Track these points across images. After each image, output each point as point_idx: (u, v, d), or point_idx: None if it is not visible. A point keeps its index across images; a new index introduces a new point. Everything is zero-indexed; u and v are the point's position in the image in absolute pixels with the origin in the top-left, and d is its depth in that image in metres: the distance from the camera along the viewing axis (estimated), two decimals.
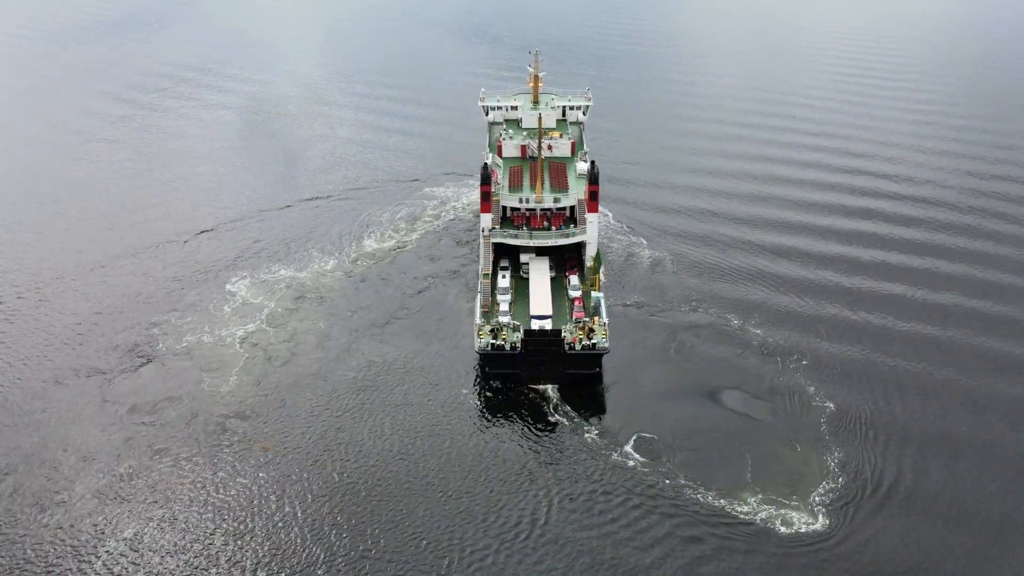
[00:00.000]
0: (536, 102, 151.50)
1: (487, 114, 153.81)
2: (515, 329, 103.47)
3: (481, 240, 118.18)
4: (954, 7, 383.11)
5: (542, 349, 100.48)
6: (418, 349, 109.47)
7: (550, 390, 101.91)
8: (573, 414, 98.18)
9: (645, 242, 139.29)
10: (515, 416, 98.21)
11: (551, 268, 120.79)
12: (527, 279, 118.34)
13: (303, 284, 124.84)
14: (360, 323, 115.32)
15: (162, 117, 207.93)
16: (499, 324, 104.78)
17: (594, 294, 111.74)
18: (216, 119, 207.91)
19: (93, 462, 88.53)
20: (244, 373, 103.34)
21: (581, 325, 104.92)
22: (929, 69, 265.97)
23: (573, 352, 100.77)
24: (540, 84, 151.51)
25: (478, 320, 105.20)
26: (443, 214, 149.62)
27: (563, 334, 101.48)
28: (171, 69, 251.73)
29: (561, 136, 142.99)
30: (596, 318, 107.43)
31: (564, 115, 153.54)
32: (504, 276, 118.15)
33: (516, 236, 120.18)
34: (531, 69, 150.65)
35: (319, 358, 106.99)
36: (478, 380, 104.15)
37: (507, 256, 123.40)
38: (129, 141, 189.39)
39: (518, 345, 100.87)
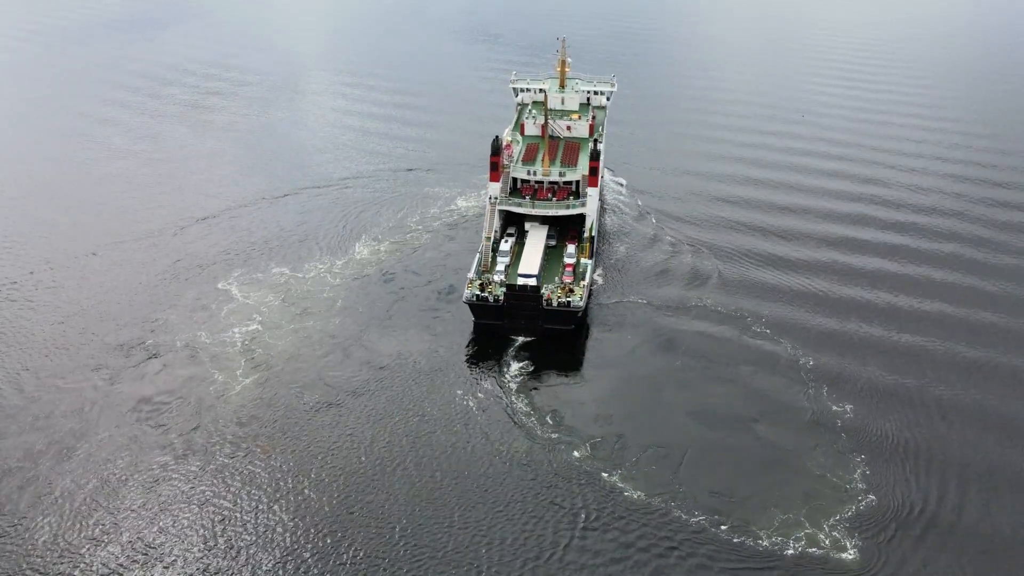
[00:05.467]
0: (563, 86, 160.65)
1: (516, 95, 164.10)
2: (501, 285, 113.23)
3: (487, 206, 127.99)
4: (971, 10, 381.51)
5: (522, 303, 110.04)
6: (417, 349, 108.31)
7: (545, 395, 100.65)
8: (570, 423, 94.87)
9: (668, 237, 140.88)
10: (509, 423, 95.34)
11: (552, 237, 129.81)
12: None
13: (302, 282, 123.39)
14: (360, 322, 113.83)
15: (165, 114, 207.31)
16: (488, 280, 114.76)
17: (583, 261, 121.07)
18: (218, 115, 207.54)
19: (93, 462, 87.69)
20: (243, 373, 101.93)
21: (564, 286, 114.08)
22: (945, 70, 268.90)
23: (550, 308, 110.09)
24: (567, 69, 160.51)
25: (471, 275, 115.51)
26: (444, 214, 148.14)
27: (542, 291, 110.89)
28: (175, 67, 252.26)
29: (580, 118, 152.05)
30: (582, 282, 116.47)
31: (588, 99, 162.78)
32: (507, 241, 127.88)
33: (520, 205, 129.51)
34: (558, 55, 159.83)
35: (319, 358, 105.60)
36: (474, 381, 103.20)
37: (516, 225, 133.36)
38: (133, 136, 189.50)
39: (501, 298, 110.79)
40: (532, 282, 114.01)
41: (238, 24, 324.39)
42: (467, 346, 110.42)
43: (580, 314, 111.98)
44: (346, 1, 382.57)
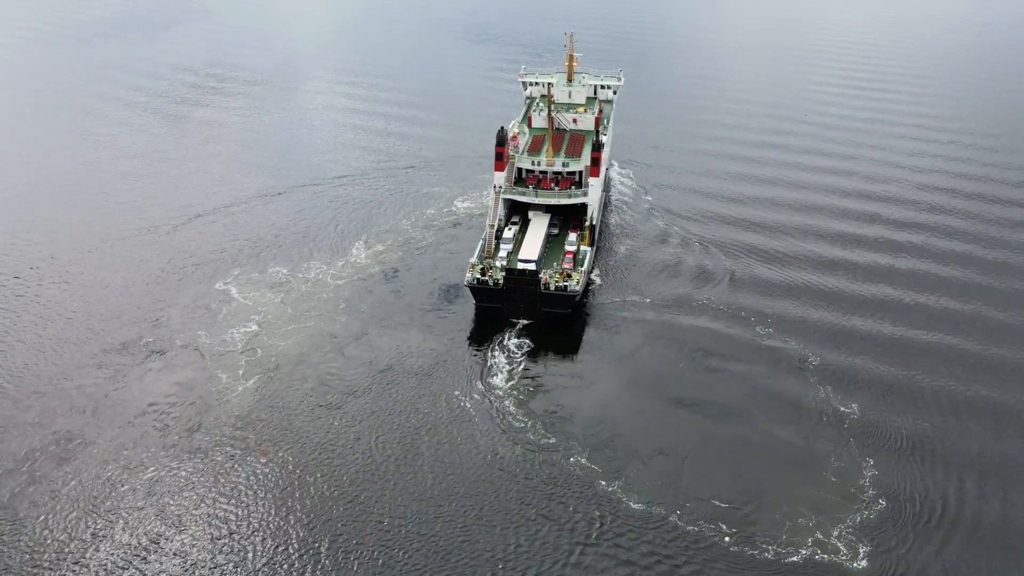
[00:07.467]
0: (570, 80, 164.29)
1: (525, 89, 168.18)
2: (501, 270, 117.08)
3: (492, 195, 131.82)
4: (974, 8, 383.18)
5: (520, 287, 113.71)
6: (417, 349, 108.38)
7: (538, 399, 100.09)
8: (568, 428, 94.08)
9: (672, 234, 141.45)
10: (506, 426, 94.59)
11: (554, 225, 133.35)
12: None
13: (301, 282, 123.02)
14: (360, 322, 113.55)
15: (163, 112, 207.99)
16: (489, 264, 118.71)
17: (583, 248, 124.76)
18: (216, 113, 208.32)
19: (95, 462, 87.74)
20: (244, 374, 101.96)
21: (562, 271, 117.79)
22: (949, 69, 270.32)
23: (548, 292, 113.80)
24: (575, 64, 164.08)
25: (472, 259, 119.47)
26: (443, 215, 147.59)
27: (540, 275, 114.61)
28: (174, 66, 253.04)
29: (586, 111, 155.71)
30: (580, 268, 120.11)
31: (595, 93, 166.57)
32: (510, 229, 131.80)
33: (524, 194, 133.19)
34: (566, 49, 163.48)
35: (319, 358, 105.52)
36: (473, 381, 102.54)
37: (520, 214, 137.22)
38: (132, 134, 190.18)
39: (500, 282, 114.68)
40: (531, 267, 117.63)
41: (238, 23, 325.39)
42: (466, 345, 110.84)
43: (577, 298, 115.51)
44: (348, 0, 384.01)
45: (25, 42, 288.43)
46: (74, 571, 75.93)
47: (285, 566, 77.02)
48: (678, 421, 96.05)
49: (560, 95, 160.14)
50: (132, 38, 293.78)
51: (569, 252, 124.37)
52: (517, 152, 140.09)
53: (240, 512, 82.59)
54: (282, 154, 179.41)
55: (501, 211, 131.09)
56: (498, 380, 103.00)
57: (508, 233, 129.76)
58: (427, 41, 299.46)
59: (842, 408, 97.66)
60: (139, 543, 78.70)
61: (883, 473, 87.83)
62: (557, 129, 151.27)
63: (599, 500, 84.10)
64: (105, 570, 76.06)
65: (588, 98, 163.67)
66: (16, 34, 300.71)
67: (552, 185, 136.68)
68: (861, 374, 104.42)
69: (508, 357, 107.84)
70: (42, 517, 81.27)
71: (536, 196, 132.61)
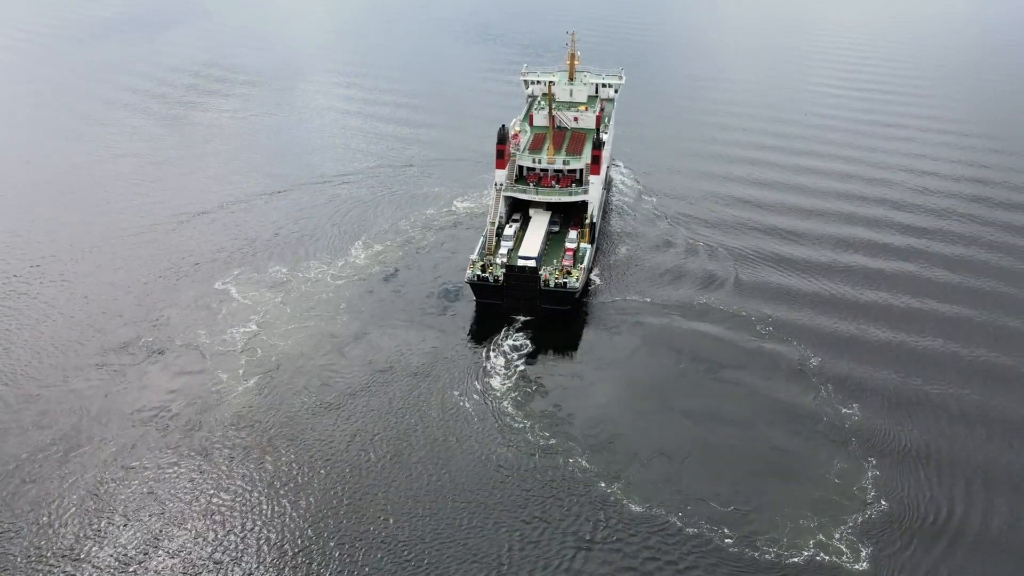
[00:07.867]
0: (572, 79, 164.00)
1: (527, 87, 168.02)
2: (502, 266, 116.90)
3: (493, 193, 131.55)
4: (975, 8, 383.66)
5: (520, 284, 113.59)
6: (416, 349, 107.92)
7: (539, 405, 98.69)
8: (568, 429, 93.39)
9: (673, 234, 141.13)
10: (504, 427, 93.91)
11: (555, 223, 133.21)
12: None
13: (301, 282, 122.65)
14: (360, 322, 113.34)
15: (163, 112, 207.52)
16: (489, 261, 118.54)
17: (583, 245, 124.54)
18: (215, 113, 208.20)
19: (95, 462, 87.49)
20: (245, 374, 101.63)
21: (562, 268, 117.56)
22: (951, 68, 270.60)
23: (547, 289, 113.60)
24: (576, 62, 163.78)
25: (473, 256, 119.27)
26: (442, 215, 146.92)
27: (540, 272, 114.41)
28: (174, 66, 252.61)
29: (587, 110, 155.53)
30: (580, 265, 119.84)
31: (597, 92, 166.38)
32: (511, 226, 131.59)
33: (524, 191, 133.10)
34: (568, 48, 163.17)
35: (319, 359, 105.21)
36: (472, 381, 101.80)
37: (521, 212, 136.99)
38: (132, 134, 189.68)
39: (501, 279, 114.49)
40: (531, 264, 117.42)
41: (238, 23, 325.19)
42: (466, 345, 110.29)
43: (577, 295, 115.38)
44: (348, 0, 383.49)
45: (25, 43, 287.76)
46: (74, 570, 75.49)
47: (286, 565, 76.73)
48: (678, 422, 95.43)
49: (561, 93, 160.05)
50: (132, 38, 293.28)
51: (569, 249, 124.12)
52: (518, 150, 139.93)
53: (240, 511, 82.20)
54: (282, 154, 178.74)
55: (502, 208, 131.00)
56: (497, 381, 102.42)
57: (509, 230, 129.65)
58: (427, 41, 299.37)
59: (844, 410, 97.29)
60: (139, 543, 78.25)
61: (885, 475, 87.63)
62: (558, 127, 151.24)
63: (599, 502, 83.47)
64: (106, 570, 75.61)
65: (589, 96, 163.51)
66: (16, 35, 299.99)
67: (553, 183, 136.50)
68: (863, 376, 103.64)
69: (507, 358, 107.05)
70: (42, 517, 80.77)
71: (537, 194, 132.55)
